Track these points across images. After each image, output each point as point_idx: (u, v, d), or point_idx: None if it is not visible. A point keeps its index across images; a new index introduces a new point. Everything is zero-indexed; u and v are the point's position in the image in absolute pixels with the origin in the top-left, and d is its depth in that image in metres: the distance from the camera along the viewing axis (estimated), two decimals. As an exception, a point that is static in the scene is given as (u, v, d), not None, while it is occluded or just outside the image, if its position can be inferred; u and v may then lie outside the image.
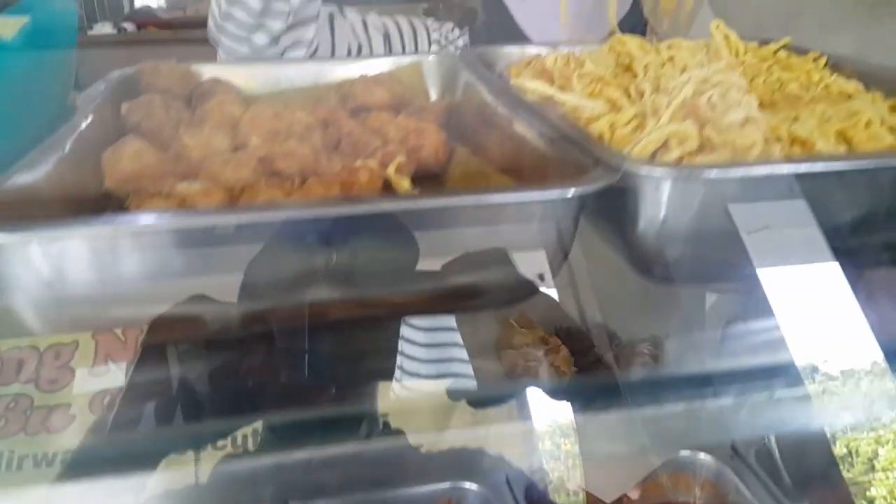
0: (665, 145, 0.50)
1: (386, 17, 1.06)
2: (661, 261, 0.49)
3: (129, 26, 3.32)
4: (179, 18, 3.72)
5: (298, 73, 0.78)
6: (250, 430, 0.66)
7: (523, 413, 0.68)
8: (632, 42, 0.73)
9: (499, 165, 0.64)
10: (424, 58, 0.80)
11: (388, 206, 0.48)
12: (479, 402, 0.78)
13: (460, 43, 1.07)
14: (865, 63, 0.69)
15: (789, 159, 0.49)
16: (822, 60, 0.72)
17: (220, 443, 0.65)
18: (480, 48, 0.80)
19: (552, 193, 0.46)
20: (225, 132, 0.62)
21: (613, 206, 0.48)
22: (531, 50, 0.80)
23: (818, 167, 0.46)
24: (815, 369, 0.41)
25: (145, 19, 3.61)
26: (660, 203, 0.45)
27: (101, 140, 0.59)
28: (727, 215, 0.45)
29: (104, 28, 3.25)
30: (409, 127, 0.70)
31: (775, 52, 0.76)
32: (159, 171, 0.57)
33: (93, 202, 0.56)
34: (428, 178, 0.68)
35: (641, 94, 0.61)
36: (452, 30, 1.09)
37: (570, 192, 0.44)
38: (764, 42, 0.78)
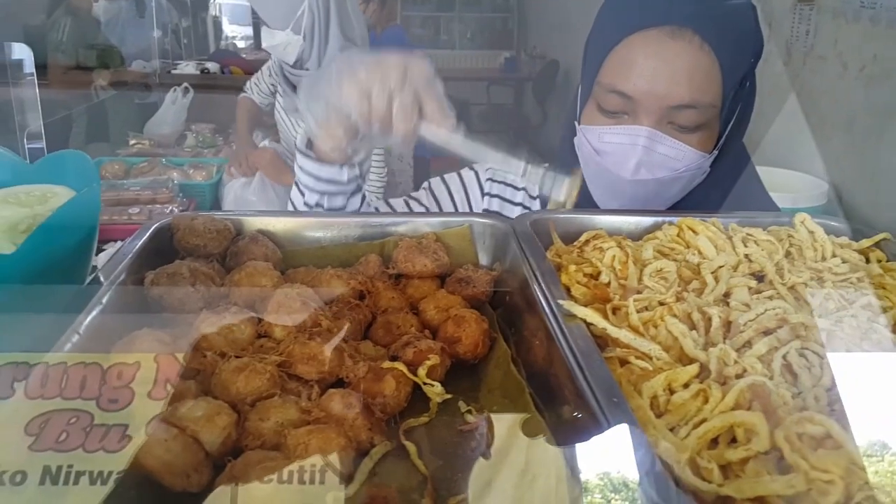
0: (730, 431, 0.43)
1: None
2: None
3: (213, 66, 3.43)
4: (263, 59, 3.82)
5: (341, 229, 0.74)
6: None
7: None
8: (702, 232, 0.65)
9: (537, 370, 0.58)
10: (475, 219, 0.74)
11: None
12: None
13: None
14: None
15: None
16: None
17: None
18: (536, 214, 0.74)
19: None
20: (247, 321, 0.59)
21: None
22: (589, 221, 0.73)
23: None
24: None
25: (230, 60, 3.73)
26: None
27: (118, 323, 0.56)
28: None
29: (188, 68, 3.37)
30: (448, 310, 0.65)
31: (867, 246, 0.67)
32: (175, 372, 0.53)
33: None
34: (464, 368, 0.63)
35: (708, 322, 0.54)
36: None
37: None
38: (857, 234, 0.69)
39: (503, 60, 5.62)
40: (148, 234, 0.67)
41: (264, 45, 2.14)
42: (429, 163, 3.78)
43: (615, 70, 0.81)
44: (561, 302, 0.53)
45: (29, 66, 2.32)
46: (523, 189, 0.99)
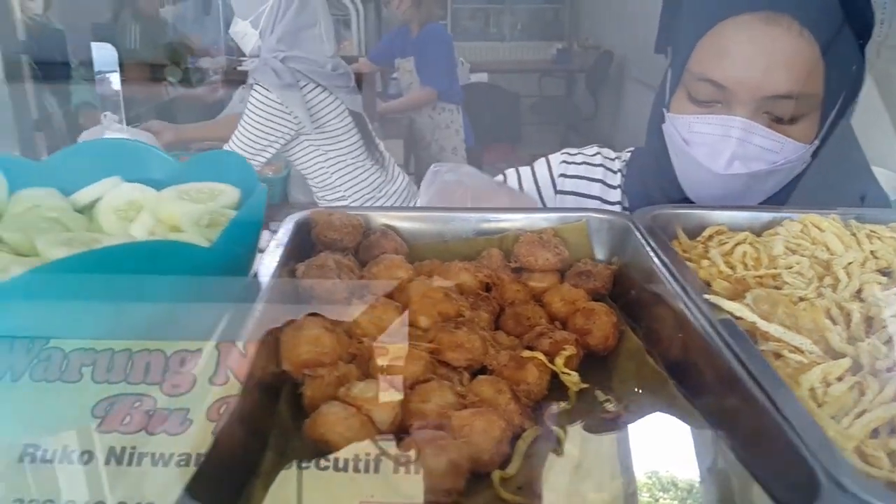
0: (889, 422, 0.45)
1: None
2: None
3: (276, 62, 3.50)
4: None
5: (462, 224, 0.77)
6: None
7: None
8: (828, 228, 0.66)
9: (671, 359, 0.60)
10: (592, 215, 0.77)
11: None
12: None
13: (614, 166, 1.00)
14: None
15: None
16: None
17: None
18: (657, 209, 0.75)
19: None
20: (394, 309, 0.62)
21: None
22: (708, 216, 0.75)
23: None
24: None
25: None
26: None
27: (281, 312, 0.60)
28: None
29: (254, 63, 3.45)
30: (576, 303, 0.68)
31: None
32: (334, 357, 0.57)
33: (270, 377, 0.57)
34: (592, 359, 0.65)
35: (847, 317, 0.55)
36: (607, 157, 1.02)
37: None
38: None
39: (555, 52, 5.58)
40: (291, 227, 0.72)
41: (230, 31, 2.27)
42: (481, 152, 3.81)
43: (706, 57, 0.79)
44: (707, 296, 0.56)
45: (113, 65, 2.43)
46: (599, 181, 0.98)
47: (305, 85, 2.09)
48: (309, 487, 0.47)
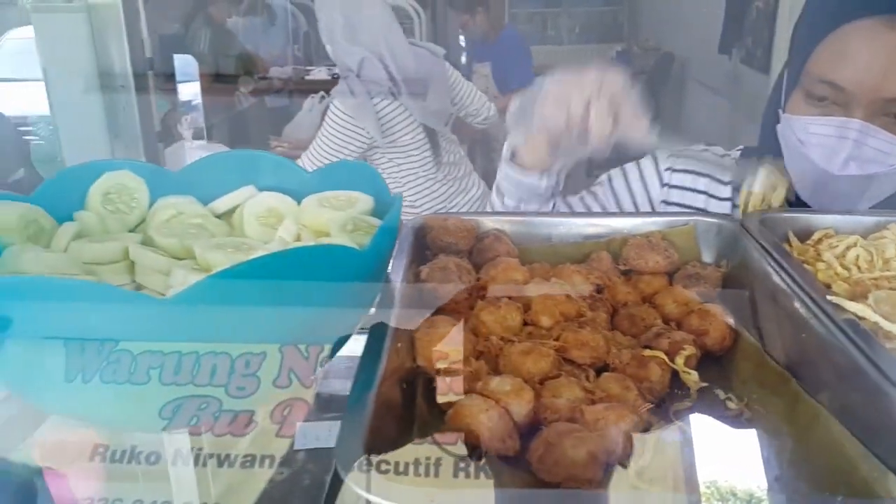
0: None
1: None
2: None
3: (342, 71, 3.60)
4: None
5: (569, 228, 0.80)
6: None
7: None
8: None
9: (790, 358, 0.61)
10: (700, 218, 0.78)
11: None
12: None
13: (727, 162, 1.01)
14: None
15: None
16: None
17: None
18: (765, 214, 0.76)
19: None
20: (516, 309, 0.66)
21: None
22: (814, 220, 0.76)
23: None
24: None
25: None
26: None
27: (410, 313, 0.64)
28: None
29: (320, 73, 3.56)
30: (689, 304, 0.70)
31: None
32: (465, 354, 0.61)
33: (405, 371, 0.61)
34: (708, 359, 0.67)
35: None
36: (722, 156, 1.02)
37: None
38: None
39: (614, 54, 5.55)
40: (409, 232, 0.76)
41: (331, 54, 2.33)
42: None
43: (827, 60, 0.81)
44: (831, 298, 0.57)
45: (193, 75, 2.55)
46: (707, 175, 0.99)
47: (381, 101, 2.15)
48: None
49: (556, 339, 0.63)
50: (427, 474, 0.48)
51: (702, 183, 0.99)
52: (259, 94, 3.45)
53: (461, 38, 3.85)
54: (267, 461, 0.58)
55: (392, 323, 0.60)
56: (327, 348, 0.55)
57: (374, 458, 0.46)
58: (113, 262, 0.64)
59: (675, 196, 1.00)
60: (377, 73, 2.12)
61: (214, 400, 0.50)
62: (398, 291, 0.65)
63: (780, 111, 0.87)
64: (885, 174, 0.80)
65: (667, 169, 1.01)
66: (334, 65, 3.71)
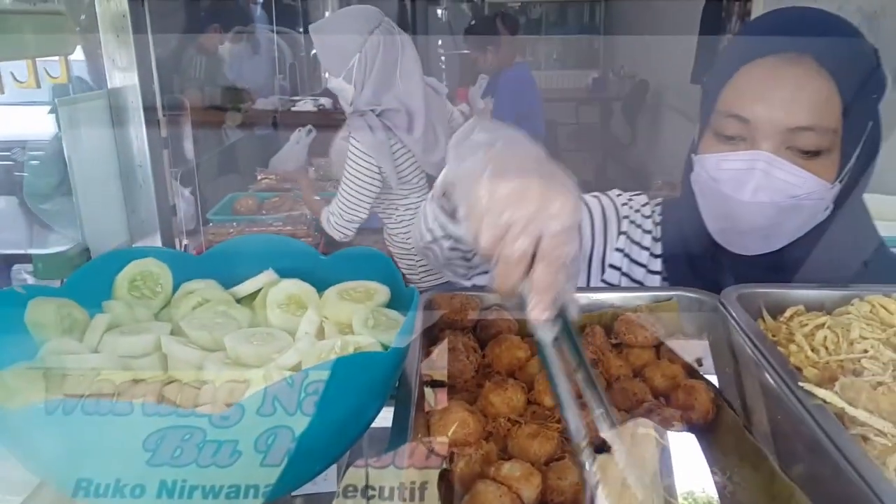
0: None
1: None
2: None
3: (327, 102, 3.66)
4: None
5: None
6: None
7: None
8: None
9: (764, 434, 0.68)
10: (682, 293, 0.86)
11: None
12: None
13: (647, 212, 1.06)
14: None
15: None
16: None
17: None
18: (743, 289, 0.83)
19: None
20: (521, 390, 0.72)
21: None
22: (787, 295, 0.83)
23: None
24: None
25: (339, 93, 3.96)
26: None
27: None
28: None
29: (306, 105, 3.61)
30: (676, 378, 0.77)
31: None
32: (477, 437, 0.67)
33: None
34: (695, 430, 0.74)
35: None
36: (644, 205, 1.07)
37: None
38: None
39: (590, 80, 5.69)
40: (420, 308, 0.82)
41: (329, 86, 2.38)
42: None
43: (733, 96, 0.86)
44: (802, 385, 0.64)
45: (181, 109, 2.58)
46: (650, 232, 1.03)
47: (394, 143, 2.20)
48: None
49: (558, 422, 0.69)
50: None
51: (647, 239, 1.03)
52: (246, 128, 3.49)
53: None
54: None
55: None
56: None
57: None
58: (145, 354, 0.69)
59: (622, 243, 1.03)
60: (396, 112, 2.16)
61: (198, 430, 0.49)
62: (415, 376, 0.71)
63: (693, 155, 0.92)
64: (793, 206, 0.84)
65: (624, 217, 1.04)
66: (320, 96, 3.78)
